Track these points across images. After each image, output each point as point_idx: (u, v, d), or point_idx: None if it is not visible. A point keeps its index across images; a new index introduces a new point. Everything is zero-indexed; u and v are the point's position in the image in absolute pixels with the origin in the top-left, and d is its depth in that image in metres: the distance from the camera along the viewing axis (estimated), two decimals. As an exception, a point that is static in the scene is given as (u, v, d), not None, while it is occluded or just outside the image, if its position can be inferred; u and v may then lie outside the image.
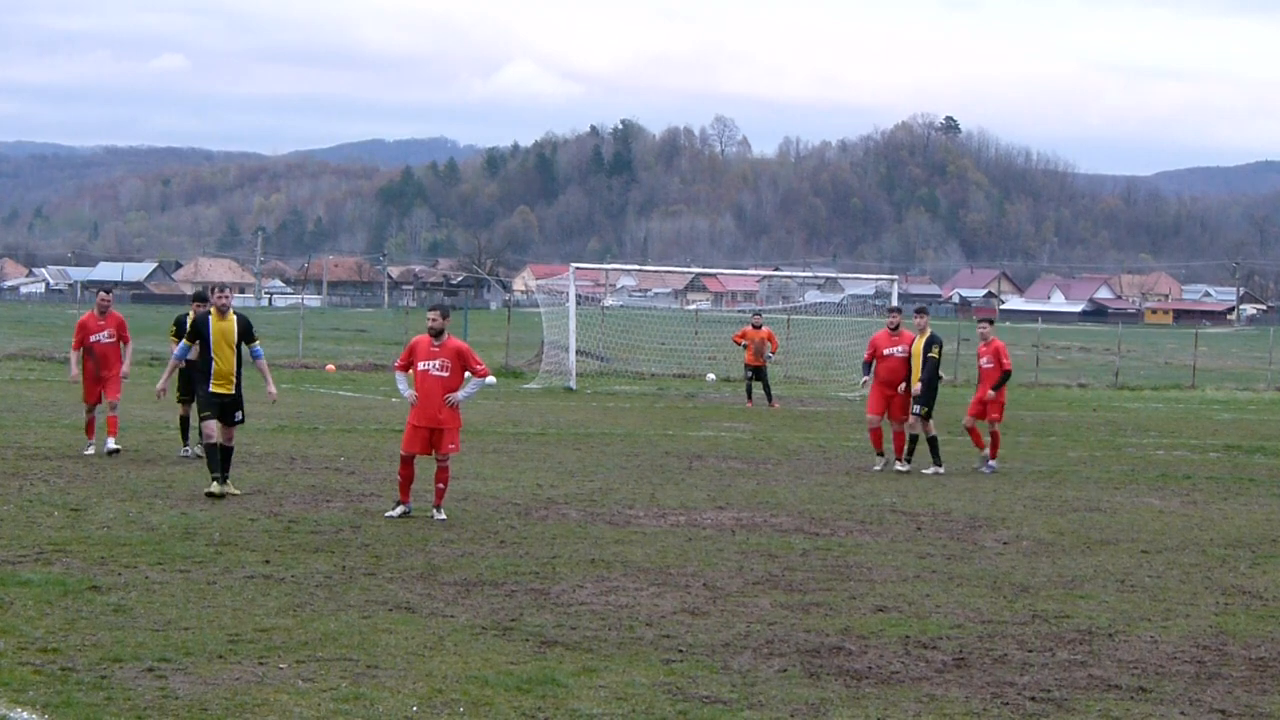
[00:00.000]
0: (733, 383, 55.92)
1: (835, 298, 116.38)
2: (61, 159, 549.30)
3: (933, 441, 27.75)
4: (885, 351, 28.16)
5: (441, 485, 20.29)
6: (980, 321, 30.33)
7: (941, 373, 28.65)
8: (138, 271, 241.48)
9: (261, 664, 11.82)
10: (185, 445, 26.16)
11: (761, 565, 17.14)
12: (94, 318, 26.58)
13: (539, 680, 11.50)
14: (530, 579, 15.82)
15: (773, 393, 45.39)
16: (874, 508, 22.47)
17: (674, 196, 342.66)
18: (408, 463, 20.39)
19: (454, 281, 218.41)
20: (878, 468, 27.59)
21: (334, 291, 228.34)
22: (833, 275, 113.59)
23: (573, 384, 50.76)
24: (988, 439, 28.51)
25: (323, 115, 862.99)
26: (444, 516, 19.93)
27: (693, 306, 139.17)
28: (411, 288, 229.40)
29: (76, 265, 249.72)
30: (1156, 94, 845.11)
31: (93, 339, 26.48)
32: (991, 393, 28.47)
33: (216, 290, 22.77)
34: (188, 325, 22.79)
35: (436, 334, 20.32)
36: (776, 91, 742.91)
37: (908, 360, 27.79)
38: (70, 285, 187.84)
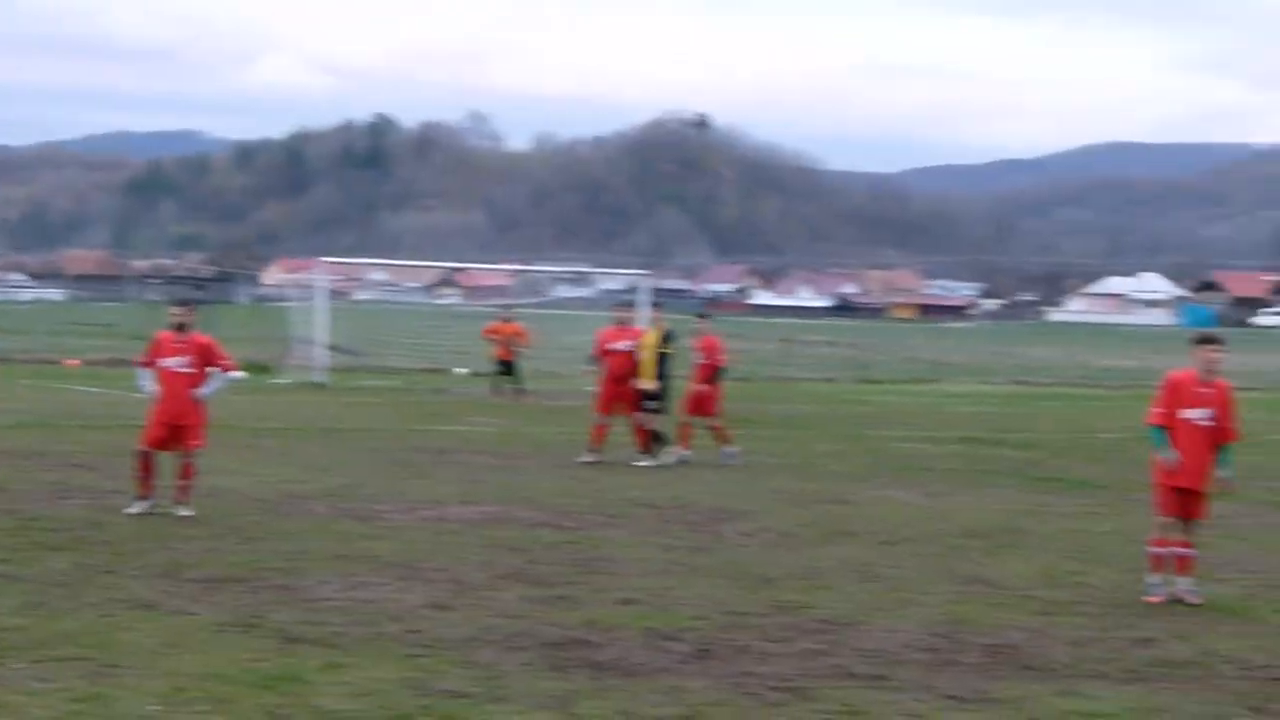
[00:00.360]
0: (482, 377, 55.89)
1: (587, 292, 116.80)
2: None
3: (654, 435, 28.09)
4: (611, 346, 28.49)
5: (186, 481, 20.00)
6: (697, 316, 30.84)
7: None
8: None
9: (-4, 664, 11.61)
10: None
11: (508, 559, 17.18)
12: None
13: (283, 677, 11.44)
14: (275, 575, 15.70)
15: (522, 387, 45.46)
16: (621, 501, 22.62)
17: (427, 191, 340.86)
18: (146, 458, 20.05)
19: (202, 275, 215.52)
20: (585, 457, 27.80)
21: (80, 285, 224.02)
22: (585, 270, 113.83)
23: (321, 379, 50.35)
24: (708, 435, 28.92)
25: (71, 106, 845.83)
26: (190, 513, 19.67)
27: (444, 301, 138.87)
28: (159, 282, 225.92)
29: None
30: (908, 92, 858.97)
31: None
32: (704, 387, 29.00)
33: None
34: None
35: (180, 329, 20.08)
36: (532, 86, 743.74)
37: (634, 355, 28.05)
38: None
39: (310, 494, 22.27)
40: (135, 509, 19.74)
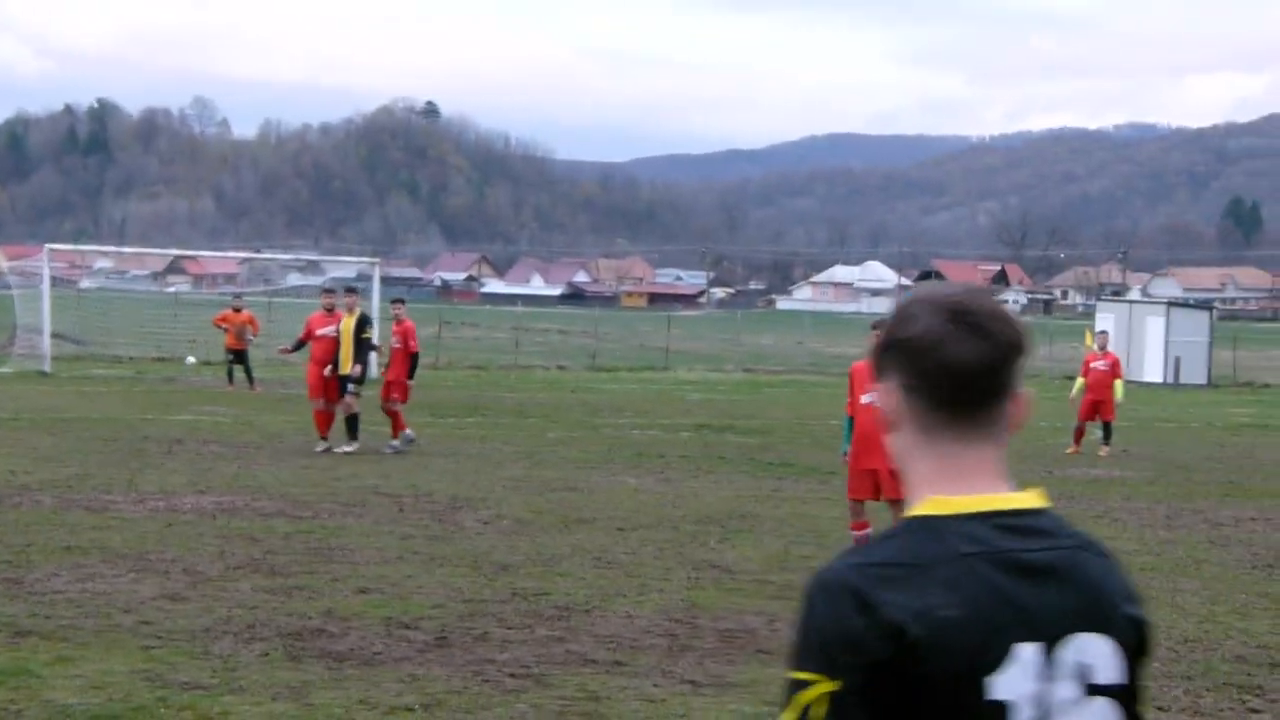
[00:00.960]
0: (213, 366, 55.17)
1: (318, 280, 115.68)
2: None
3: (353, 419, 28.13)
4: (319, 332, 28.67)
5: None
6: (393, 302, 31.06)
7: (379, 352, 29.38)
8: None
9: None
10: None
11: (243, 549, 17.03)
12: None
13: (12, 672, 11.24)
14: (3, 568, 15.40)
15: (254, 375, 44.94)
16: (357, 489, 22.53)
17: (152, 177, 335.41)
18: None
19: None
20: (318, 447, 27.81)
21: None
22: (315, 258, 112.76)
23: (47, 368, 49.34)
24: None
25: None
26: None
27: (172, 289, 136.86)
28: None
29: None
30: (638, 81, 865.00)
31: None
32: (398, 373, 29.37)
33: None
34: None
35: None
36: (258, 72, 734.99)
37: (337, 340, 28.11)
38: None
39: (37, 485, 21.85)
40: None
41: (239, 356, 44.91)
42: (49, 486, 21.77)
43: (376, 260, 60.19)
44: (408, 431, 28.80)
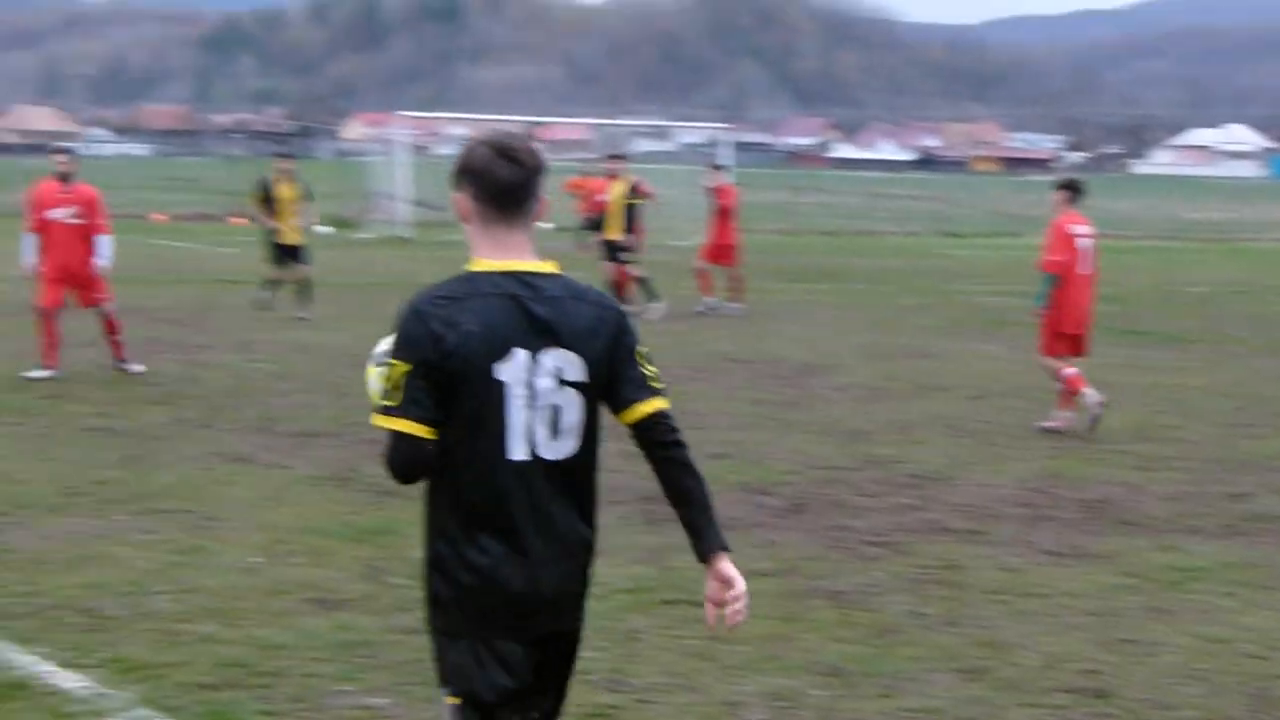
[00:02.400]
0: (567, 231, 55.81)
1: (668, 146, 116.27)
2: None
3: (642, 283, 28.18)
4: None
5: (117, 336, 19.34)
6: (713, 167, 31.02)
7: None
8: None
9: (99, 517, 11.74)
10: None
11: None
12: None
13: (378, 530, 11.52)
14: (367, 430, 15.73)
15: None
16: (708, 355, 22.60)
17: (504, 44, 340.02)
18: (51, 318, 18.90)
19: (283, 130, 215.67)
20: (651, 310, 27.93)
21: (162, 140, 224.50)
22: (664, 124, 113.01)
23: (408, 234, 50.42)
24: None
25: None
26: (141, 368, 19.16)
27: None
28: (241, 137, 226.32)
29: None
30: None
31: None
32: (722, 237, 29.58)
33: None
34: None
35: (65, 178, 19.13)
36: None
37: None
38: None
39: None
40: (40, 374, 18.54)
41: (593, 222, 45.22)
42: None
43: (726, 125, 60.08)
44: (711, 301, 28.94)
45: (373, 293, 30.60)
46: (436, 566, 5.12)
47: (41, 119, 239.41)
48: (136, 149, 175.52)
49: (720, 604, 5.39)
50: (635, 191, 28.01)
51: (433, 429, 5.00)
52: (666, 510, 12.48)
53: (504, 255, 5.12)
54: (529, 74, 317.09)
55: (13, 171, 69.65)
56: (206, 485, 12.93)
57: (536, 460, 5.07)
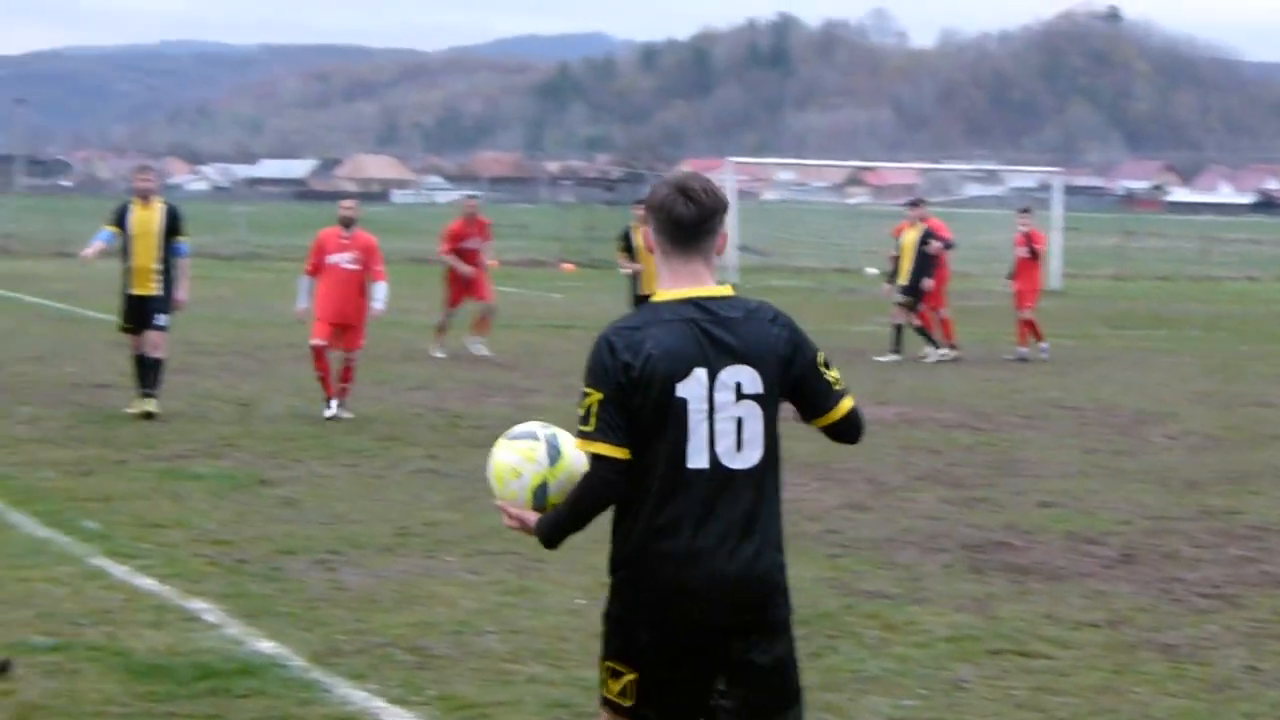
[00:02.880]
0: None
1: (996, 190, 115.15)
2: (222, 57, 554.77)
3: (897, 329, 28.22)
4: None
5: (347, 383, 19.43)
6: (1020, 212, 30.54)
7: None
8: (299, 169, 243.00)
9: (429, 557, 11.96)
10: None
11: (925, 460, 17.07)
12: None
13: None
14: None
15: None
16: (1038, 402, 22.29)
17: (831, 89, 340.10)
18: (321, 354, 19.23)
19: (612, 177, 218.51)
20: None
21: (493, 188, 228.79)
22: (994, 168, 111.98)
23: (734, 279, 50.69)
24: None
25: (480, 11, 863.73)
26: (349, 414, 19.17)
27: (853, 201, 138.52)
28: (570, 183, 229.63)
29: (239, 163, 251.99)
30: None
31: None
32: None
33: (138, 172, 19.92)
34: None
35: (348, 224, 19.60)
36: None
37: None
38: (234, 183, 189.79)
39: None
40: (330, 412, 19.03)
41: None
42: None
43: (1057, 170, 59.30)
44: (1043, 345, 28.45)
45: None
46: (622, 567, 5.64)
47: (379, 167, 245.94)
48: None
49: None
50: (929, 237, 27.92)
51: (626, 450, 5.43)
52: (991, 558, 12.37)
53: (682, 284, 5.56)
54: (858, 118, 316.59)
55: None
56: (534, 527, 13.08)
57: (720, 469, 5.47)
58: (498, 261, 27.35)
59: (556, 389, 22.01)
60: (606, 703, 5.69)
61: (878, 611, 10.69)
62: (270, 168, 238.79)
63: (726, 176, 55.35)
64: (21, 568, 11.14)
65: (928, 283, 27.75)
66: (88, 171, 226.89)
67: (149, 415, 18.37)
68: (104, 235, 19.13)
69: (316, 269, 19.56)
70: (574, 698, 8.65)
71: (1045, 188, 54.91)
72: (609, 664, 5.68)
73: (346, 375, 19.48)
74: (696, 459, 5.45)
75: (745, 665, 5.53)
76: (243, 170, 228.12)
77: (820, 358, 5.77)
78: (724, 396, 5.47)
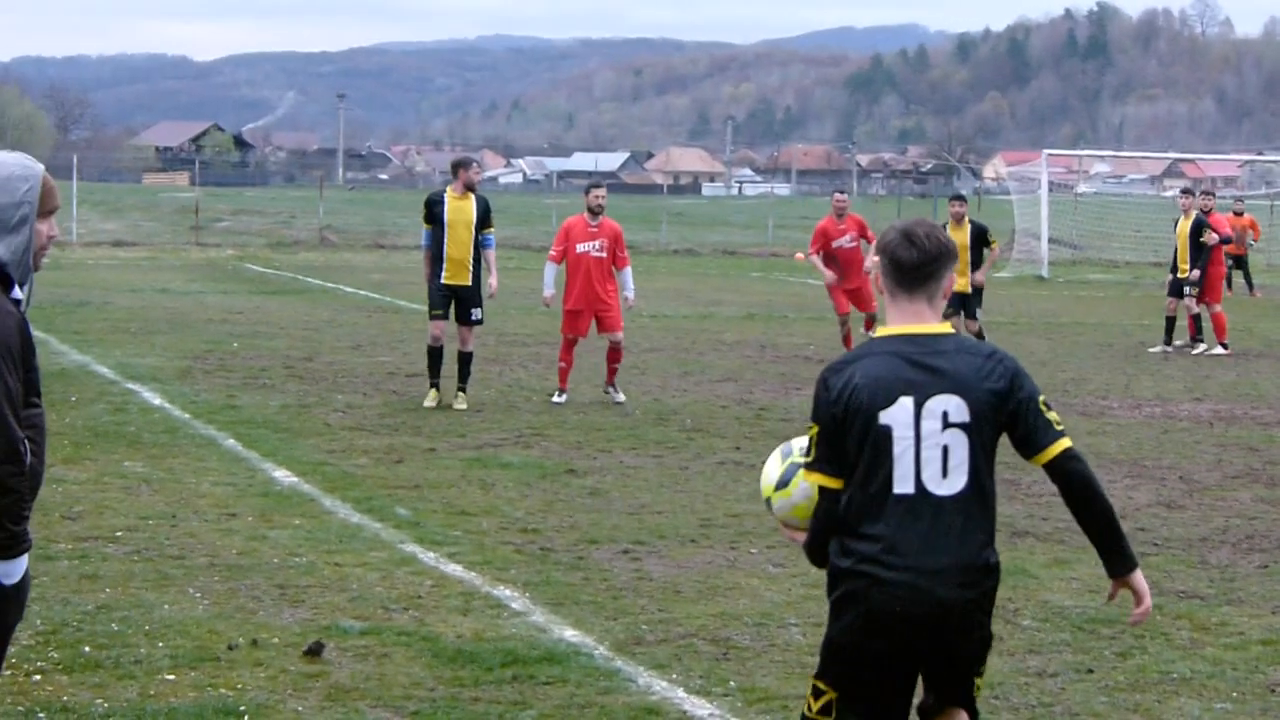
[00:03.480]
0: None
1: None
2: (538, 51, 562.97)
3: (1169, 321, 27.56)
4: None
5: (616, 364, 19.98)
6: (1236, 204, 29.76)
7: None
8: (611, 162, 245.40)
9: (733, 549, 11.98)
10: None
11: (1241, 459, 16.65)
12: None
13: (1010, 571, 11.32)
14: (1001, 469, 15.49)
15: (1254, 281, 43.87)
16: (1361, 401, 21.61)
17: (1150, 80, 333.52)
18: (571, 346, 19.85)
19: (923, 169, 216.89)
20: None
21: (803, 180, 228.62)
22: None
23: (1044, 272, 50.02)
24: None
25: (792, 3, 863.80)
26: (622, 398, 19.70)
27: (1170, 193, 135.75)
28: (881, 176, 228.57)
29: (552, 156, 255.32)
30: None
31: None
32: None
33: (464, 166, 19.66)
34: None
35: (596, 213, 19.83)
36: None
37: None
38: (546, 175, 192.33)
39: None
40: (559, 399, 19.60)
41: (1239, 262, 43.78)
42: (1046, 390, 21.90)
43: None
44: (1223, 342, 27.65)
45: (1009, 332, 30.39)
46: (834, 590, 5.79)
47: (689, 160, 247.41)
48: (780, 188, 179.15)
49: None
50: (1203, 227, 27.19)
51: (839, 479, 5.74)
52: (1312, 560, 12.00)
53: (904, 322, 5.81)
54: (1177, 109, 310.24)
55: (657, 210, 72.19)
56: (838, 520, 13.04)
57: (925, 494, 5.66)
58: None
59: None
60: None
61: (1189, 612, 10.45)
62: (582, 160, 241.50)
63: (1041, 169, 54.52)
64: (335, 553, 11.40)
65: (1194, 274, 27.10)
66: (405, 165, 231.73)
67: (445, 405, 18.90)
68: (424, 237, 19.49)
69: (562, 256, 20.03)
70: (875, 693, 8.59)
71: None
72: (815, 682, 5.92)
73: (615, 356, 19.97)
74: (902, 485, 5.66)
75: (939, 672, 5.91)
76: (555, 163, 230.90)
77: (1041, 399, 5.89)
78: (930, 425, 5.67)
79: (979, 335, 21.53)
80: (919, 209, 48.89)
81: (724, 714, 8.23)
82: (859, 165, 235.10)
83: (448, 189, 19.36)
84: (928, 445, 5.65)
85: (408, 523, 12.47)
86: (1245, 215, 45.05)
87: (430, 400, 19.06)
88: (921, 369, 5.69)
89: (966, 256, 24.32)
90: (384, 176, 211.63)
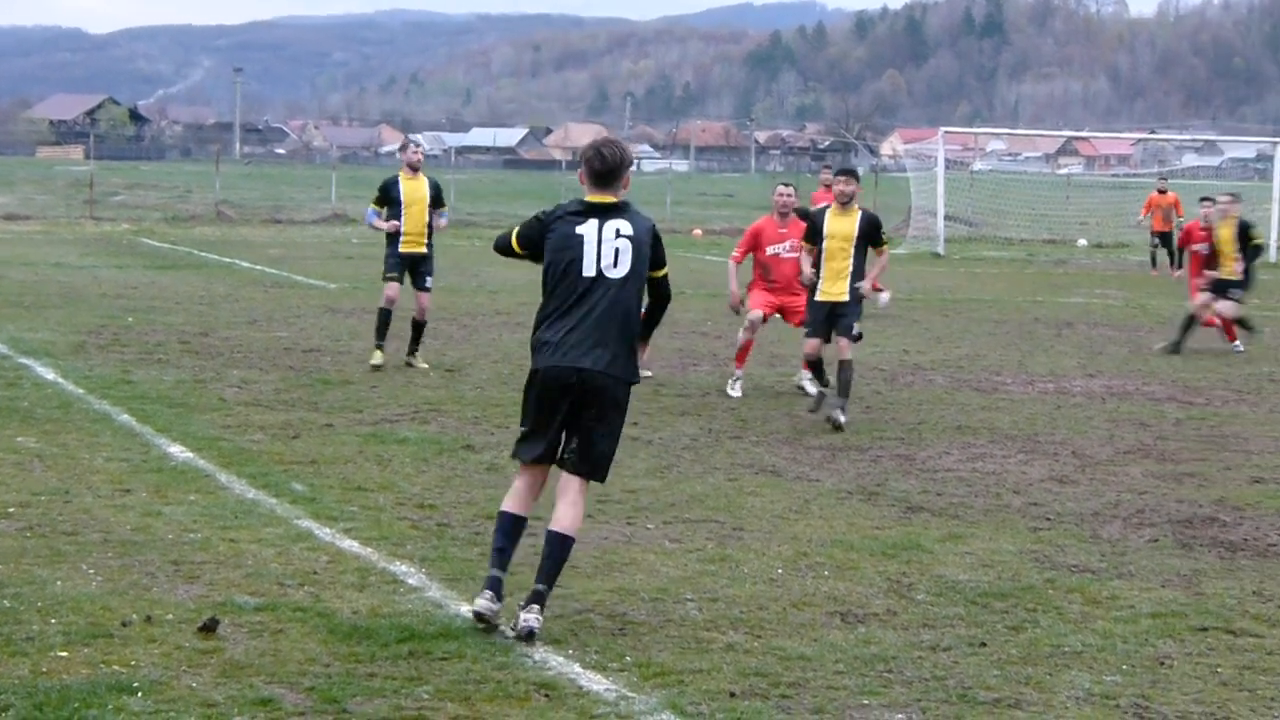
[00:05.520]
0: (1104, 249, 54.95)
1: (1214, 161, 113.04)
2: (436, 26, 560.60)
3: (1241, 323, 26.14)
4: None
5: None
6: (1202, 200, 28.40)
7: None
8: (509, 138, 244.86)
9: (629, 524, 12.00)
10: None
11: (1133, 434, 16.83)
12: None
13: (904, 545, 11.47)
14: (896, 444, 15.75)
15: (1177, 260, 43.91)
16: (1251, 377, 21.88)
17: (1046, 59, 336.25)
18: (752, 334, 19.38)
19: (821, 146, 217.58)
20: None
21: (701, 157, 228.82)
22: (1211, 138, 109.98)
23: (940, 249, 50.29)
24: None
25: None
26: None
27: (1064, 171, 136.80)
28: (779, 152, 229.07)
29: (450, 131, 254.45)
30: None
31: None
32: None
33: (401, 149, 22.06)
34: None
35: (785, 214, 19.45)
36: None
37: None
38: (445, 151, 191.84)
39: (929, 365, 22.29)
40: (735, 391, 19.14)
41: (1164, 239, 43.98)
42: (940, 366, 22.18)
43: (1278, 140, 58.04)
44: (1237, 344, 25.80)
45: (905, 308, 30.57)
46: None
47: (587, 135, 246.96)
48: (679, 165, 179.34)
49: None
50: (1249, 230, 26.06)
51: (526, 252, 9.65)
52: (1200, 533, 12.20)
53: (597, 197, 9.42)
54: (1072, 88, 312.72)
55: (555, 186, 72.08)
56: (734, 496, 13.10)
57: (603, 278, 9.36)
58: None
59: (761, 358, 21.97)
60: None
61: (1081, 586, 10.55)
62: (480, 136, 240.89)
63: (937, 147, 54.84)
64: (230, 529, 11.34)
65: (1240, 270, 26.05)
66: (303, 140, 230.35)
67: (377, 368, 20.06)
68: (371, 215, 21.00)
69: (746, 257, 19.79)
70: (770, 666, 8.63)
71: (1264, 158, 53.71)
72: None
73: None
74: (588, 270, 9.24)
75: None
76: (454, 139, 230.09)
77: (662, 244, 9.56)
78: (609, 235, 9.22)
79: (846, 370, 16.96)
80: (816, 186, 49.28)
81: (620, 689, 8.23)
82: (757, 142, 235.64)
83: (400, 172, 20.92)
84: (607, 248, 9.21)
85: (304, 498, 12.42)
86: (1169, 194, 45.33)
87: (377, 359, 20.11)
88: (602, 216, 9.26)
89: (848, 256, 17.47)
90: (281, 151, 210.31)
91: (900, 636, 9.29)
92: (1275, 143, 56.84)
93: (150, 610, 9.22)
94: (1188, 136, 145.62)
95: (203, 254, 40.84)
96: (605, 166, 9.23)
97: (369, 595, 9.78)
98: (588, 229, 9.16)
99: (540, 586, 9.11)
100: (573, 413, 9.28)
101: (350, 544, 11.05)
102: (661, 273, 9.45)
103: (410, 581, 10.15)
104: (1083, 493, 13.67)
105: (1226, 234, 25.87)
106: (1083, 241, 57.71)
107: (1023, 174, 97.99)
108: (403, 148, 21.83)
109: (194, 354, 20.95)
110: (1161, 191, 45.04)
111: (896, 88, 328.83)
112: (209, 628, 8.88)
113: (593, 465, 9.45)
